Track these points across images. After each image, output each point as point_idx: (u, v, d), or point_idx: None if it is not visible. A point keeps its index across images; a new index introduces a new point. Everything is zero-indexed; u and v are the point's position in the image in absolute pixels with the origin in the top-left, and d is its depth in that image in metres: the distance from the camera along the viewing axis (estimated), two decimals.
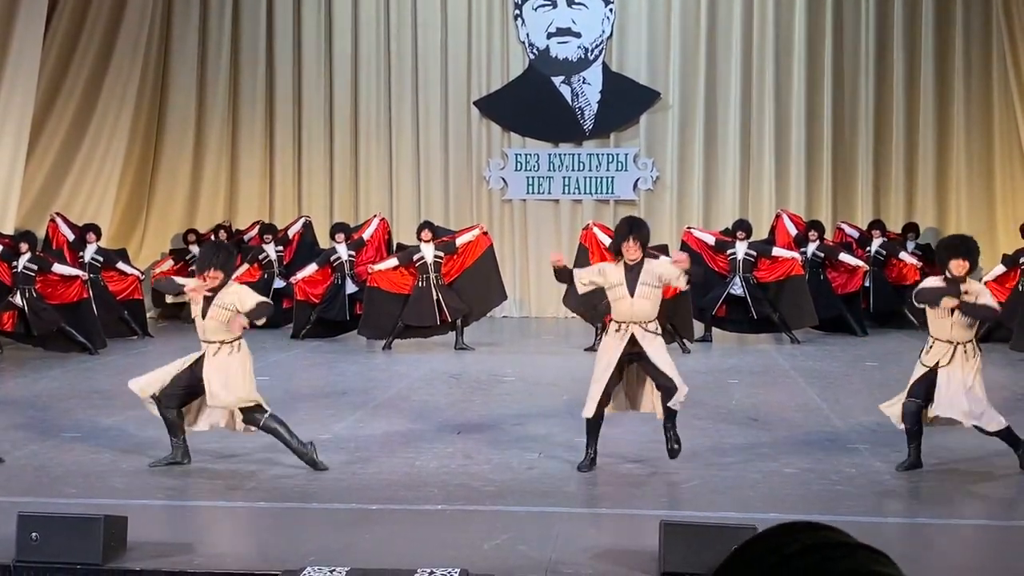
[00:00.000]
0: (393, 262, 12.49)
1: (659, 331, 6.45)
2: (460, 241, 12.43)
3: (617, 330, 6.39)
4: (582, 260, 12.38)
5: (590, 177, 15.88)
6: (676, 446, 6.41)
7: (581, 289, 6.62)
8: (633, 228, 6.39)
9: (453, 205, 16.24)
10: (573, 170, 15.92)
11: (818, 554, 1.09)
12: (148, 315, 14.06)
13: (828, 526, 1.13)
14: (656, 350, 6.36)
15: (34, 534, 4.62)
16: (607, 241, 12.24)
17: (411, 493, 5.98)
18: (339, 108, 16.47)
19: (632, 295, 6.32)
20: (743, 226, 12.92)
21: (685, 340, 11.63)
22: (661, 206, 15.80)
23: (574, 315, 13.72)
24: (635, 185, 15.89)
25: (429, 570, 4.50)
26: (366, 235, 13.86)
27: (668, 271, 6.46)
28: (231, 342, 6.45)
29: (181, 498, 5.88)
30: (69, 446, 7.16)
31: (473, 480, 6.27)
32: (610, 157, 15.90)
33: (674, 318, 11.45)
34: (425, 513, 5.61)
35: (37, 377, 10.31)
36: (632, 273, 6.34)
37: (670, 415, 6.41)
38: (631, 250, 6.32)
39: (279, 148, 16.63)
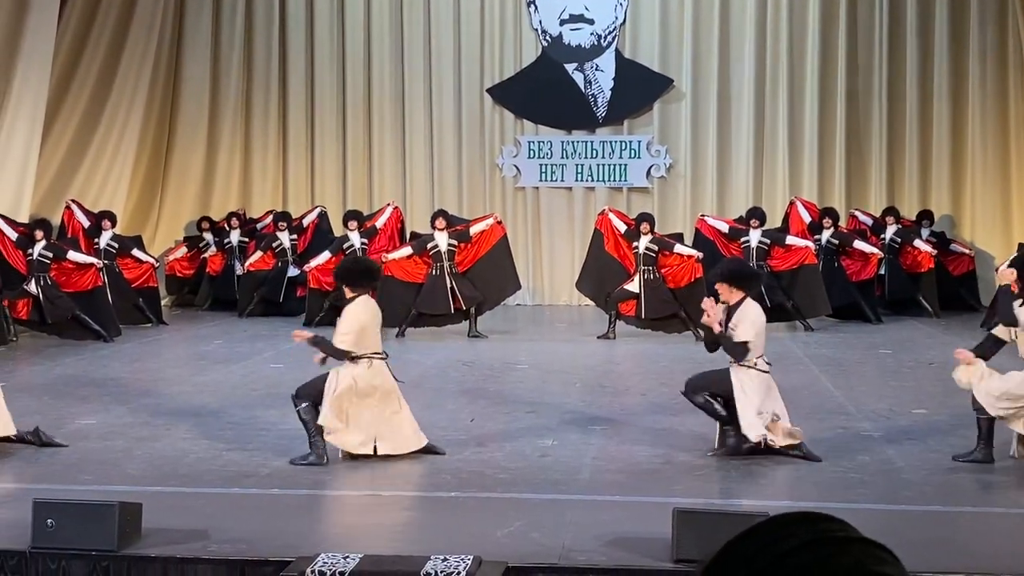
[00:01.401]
0: (407, 251, 12.49)
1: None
2: (474, 230, 12.42)
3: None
4: (597, 245, 12.43)
5: (603, 164, 15.84)
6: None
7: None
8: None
9: (466, 193, 16.23)
10: (586, 157, 15.88)
11: (813, 552, 1.05)
12: (162, 303, 14.10)
13: (826, 517, 1.09)
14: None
15: (49, 521, 4.64)
16: (622, 227, 12.29)
17: (424, 480, 5.99)
18: (352, 96, 16.46)
19: None
20: (756, 214, 12.87)
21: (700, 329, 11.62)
22: (674, 194, 15.76)
23: (587, 302, 13.72)
24: (648, 172, 15.84)
25: (442, 557, 4.51)
26: (379, 223, 13.86)
27: None
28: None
29: (195, 485, 5.90)
30: (84, 433, 7.19)
31: (486, 467, 6.27)
32: (623, 144, 15.85)
33: (688, 306, 11.44)
34: (438, 500, 5.61)
35: (52, 364, 10.35)
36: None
37: None
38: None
39: (292, 136, 16.63)
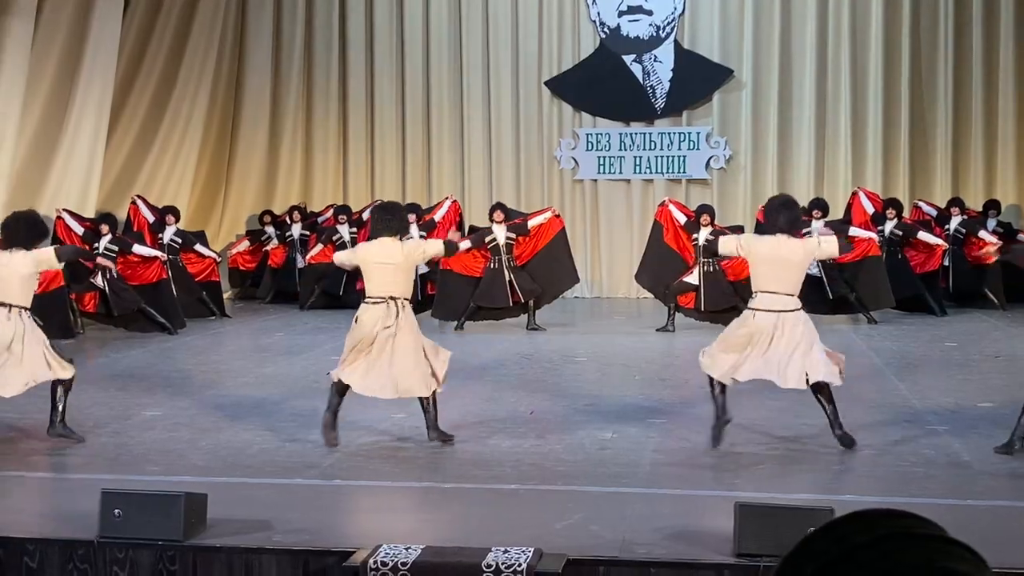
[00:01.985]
0: (466, 244, 12.52)
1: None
2: (532, 223, 12.42)
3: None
4: (656, 237, 12.36)
5: (662, 156, 15.75)
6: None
7: None
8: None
9: (524, 186, 16.24)
10: (645, 149, 15.80)
11: (884, 546, 1.03)
12: (225, 296, 14.30)
13: (910, 515, 1.07)
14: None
15: (117, 511, 4.71)
16: (682, 219, 12.20)
17: (484, 472, 6.00)
18: (411, 90, 16.54)
19: None
20: (819, 205, 12.69)
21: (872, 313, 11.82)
22: (734, 185, 15.62)
23: (646, 295, 13.65)
24: (708, 164, 15.72)
25: (503, 549, 4.51)
26: (437, 217, 13.91)
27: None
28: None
29: (259, 475, 5.97)
30: (150, 424, 7.31)
31: (546, 460, 6.27)
32: (682, 136, 15.75)
33: (857, 283, 11.43)
34: (498, 492, 5.62)
35: (118, 357, 10.55)
36: None
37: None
38: None
39: (352, 131, 16.77)
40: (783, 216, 6.42)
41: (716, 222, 12.09)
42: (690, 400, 8.04)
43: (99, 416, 7.55)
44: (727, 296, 11.71)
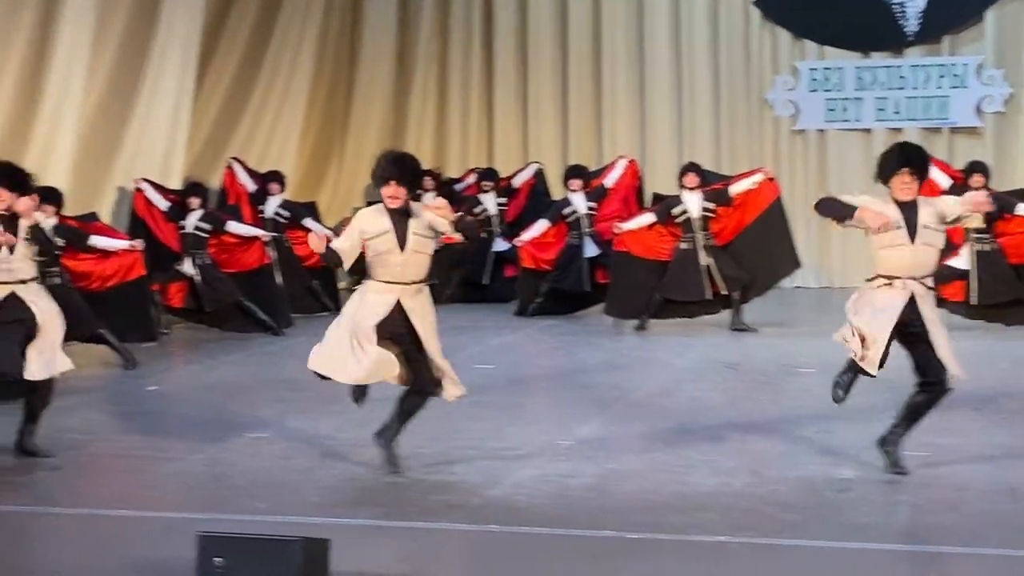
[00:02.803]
0: (648, 218, 12.47)
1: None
2: (736, 189, 12.28)
3: (891, 286, 6.53)
4: None
5: (914, 98, 15.43)
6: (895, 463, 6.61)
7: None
8: (911, 158, 6.65)
9: (725, 141, 16.11)
10: (890, 88, 15.51)
11: None
12: (340, 285, 14.60)
13: None
14: (936, 324, 6.51)
15: (217, 559, 4.82)
16: (945, 182, 11.82)
17: (682, 519, 5.95)
18: (575, 21, 16.58)
19: (913, 241, 6.49)
20: (979, 168, 12.03)
21: None
22: (1015, 135, 15.14)
23: None
24: (978, 107, 15.29)
25: None
26: (609, 182, 13.91)
27: (951, 209, 6.62)
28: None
29: (393, 517, 6.04)
30: (254, 449, 7.50)
31: (764, 504, 6.18)
32: (943, 69, 15.35)
33: None
34: (701, 546, 5.57)
35: (212, 364, 10.88)
36: (909, 213, 6.51)
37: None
38: (905, 187, 6.57)
39: (499, 77, 16.92)
40: None
41: (991, 185, 11.68)
42: (961, 426, 7.79)
43: (190, 439, 7.79)
44: (1008, 285, 11.32)
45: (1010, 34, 15.24)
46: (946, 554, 5.44)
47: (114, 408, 9.00)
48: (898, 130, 15.49)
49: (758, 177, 12.42)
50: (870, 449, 7.18)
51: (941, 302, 11.49)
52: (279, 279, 12.88)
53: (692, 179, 12.22)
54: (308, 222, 13.97)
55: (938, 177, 11.97)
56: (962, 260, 11.46)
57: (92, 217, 11.39)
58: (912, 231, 6.52)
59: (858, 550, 5.49)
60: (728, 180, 12.59)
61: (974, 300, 11.45)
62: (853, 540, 5.61)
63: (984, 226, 11.24)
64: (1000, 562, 5.13)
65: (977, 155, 13.58)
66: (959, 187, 11.60)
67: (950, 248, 11.49)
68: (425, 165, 16.20)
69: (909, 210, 6.56)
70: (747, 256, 12.21)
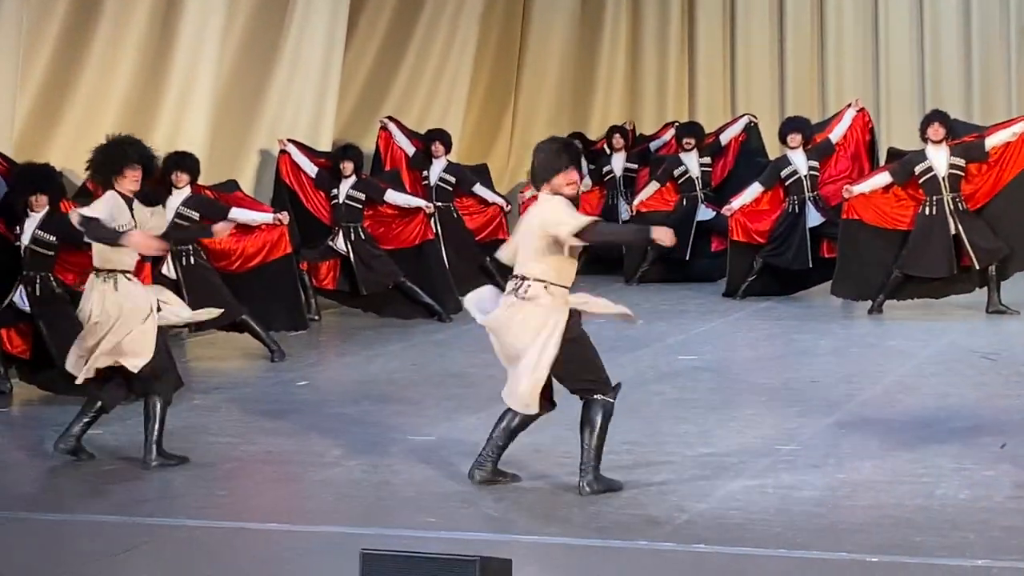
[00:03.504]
0: (884, 178, 12.30)
1: None
2: (992, 142, 12.05)
3: None
4: None
5: None
6: None
7: None
8: None
9: (978, 81, 15.81)
10: None
11: None
12: None
13: None
14: None
15: None
16: None
17: (931, 539, 5.87)
18: None
19: None
20: None
21: None
22: None
23: None
24: None
25: None
26: (835, 136, 13.76)
27: None
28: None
29: (584, 535, 6.06)
30: (421, 454, 7.60)
31: None
32: None
33: None
34: (956, 571, 5.48)
35: (370, 355, 11.07)
36: None
37: None
38: None
39: (702, 21, 16.84)
40: None
41: None
42: None
43: (346, 442, 7.95)
44: None
45: None
46: None
47: (259, 407, 9.20)
48: None
49: (1019, 126, 12.14)
50: None
51: None
52: (446, 256, 13.01)
53: (937, 131, 12.02)
54: (479, 189, 14.09)
55: None
56: None
57: (232, 186, 11.65)
58: None
59: None
60: (982, 131, 12.34)
61: None
62: None
63: None
64: None
65: None
66: None
67: None
68: (614, 121, 16.38)
69: None
70: (1006, 223, 12.01)
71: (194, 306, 8.52)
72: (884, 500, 6.51)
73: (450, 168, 14.05)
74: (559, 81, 16.97)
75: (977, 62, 15.81)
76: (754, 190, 13.49)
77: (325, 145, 13.62)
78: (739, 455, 7.36)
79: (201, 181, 11.07)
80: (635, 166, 15.32)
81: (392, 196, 12.71)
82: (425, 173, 13.99)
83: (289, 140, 13.08)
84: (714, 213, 14.31)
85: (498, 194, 14.49)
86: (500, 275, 13.74)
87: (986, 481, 6.73)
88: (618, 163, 15.48)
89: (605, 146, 15.83)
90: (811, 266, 13.21)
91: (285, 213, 11.48)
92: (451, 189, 13.88)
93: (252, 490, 7.20)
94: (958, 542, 5.82)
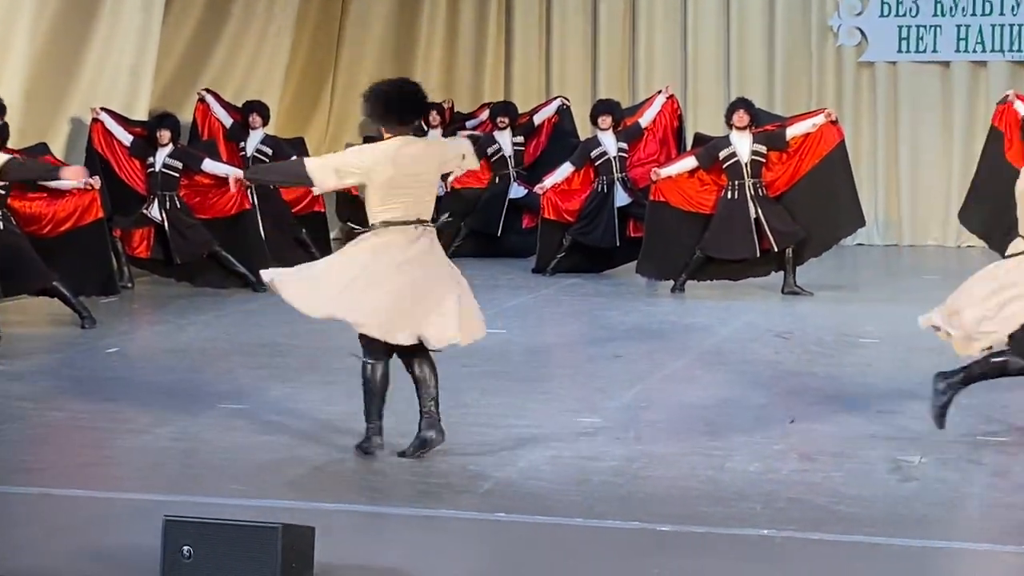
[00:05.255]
0: (689, 163, 12.47)
1: None
2: (793, 132, 12.29)
3: None
4: (994, 152, 12.01)
5: (1003, 25, 15.35)
6: None
7: None
8: None
9: (781, 74, 16.10)
10: (973, 15, 15.42)
11: None
12: (332, 235, 14.64)
13: None
14: None
15: (186, 547, 4.86)
16: None
17: (721, 509, 5.99)
18: None
19: None
20: None
21: None
22: None
23: (975, 242, 13.33)
24: None
25: None
26: (645, 120, 13.91)
27: None
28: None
29: (386, 502, 6.10)
30: (229, 423, 7.55)
31: (815, 494, 6.22)
32: None
33: None
34: (742, 540, 5.60)
35: (182, 324, 10.95)
36: None
37: None
38: None
39: (519, 4, 16.88)
40: None
41: None
42: None
43: (157, 410, 7.85)
44: None
45: None
46: (1021, 555, 5.47)
47: (69, 373, 9.05)
48: (982, 64, 15.43)
49: (819, 119, 12.42)
50: (940, 433, 7.21)
51: None
52: (262, 228, 12.90)
53: (742, 118, 12.21)
54: None
55: None
56: None
57: (42, 150, 11.35)
58: None
59: (922, 548, 5.52)
60: (784, 121, 12.59)
61: None
62: (916, 536, 5.65)
63: None
64: None
65: None
66: None
67: None
68: (434, 98, 16.34)
69: None
70: (803, 209, 12.23)
71: (1, 273, 8.32)
72: (678, 472, 6.63)
73: (267, 140, 13.95)
74: (378, 58, 16.88)
75: (780, 54, 16.12)
76: (565, 169, 13.61)
77: (141, 114, 13.37)
78: (542, 427, 7.44)
79: (12, 144, 10.78)
80: (521, 140, 15.15)
81: (209, 165, 12.55)
82: (242, 145, 13.86)
83: (102, 108, 12.82)
84: (526, 191, 14.42)
85: None
86: (316, 247, 13.71)
87: (774, 454, 6.90)
88: (505, 141, 15.26)
89: (424, 123, 15.79)
90: (618, 245, 13.38)
91: (97, 178, 11.21)
92: (268, 160, 13.75)
93: (59, 456, 7.07)
94: (745, 512, 5.95)
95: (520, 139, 14.96)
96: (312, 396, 8.15)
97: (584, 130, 14.67)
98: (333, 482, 6.46)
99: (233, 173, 12.48)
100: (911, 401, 7.96)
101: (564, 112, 15.33)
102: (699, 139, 13.05)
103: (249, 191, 12.64)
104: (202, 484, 6.38)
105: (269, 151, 13.81)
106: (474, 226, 14.71)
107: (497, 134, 14.83)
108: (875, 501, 6.15)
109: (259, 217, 12.91)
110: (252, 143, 13.83)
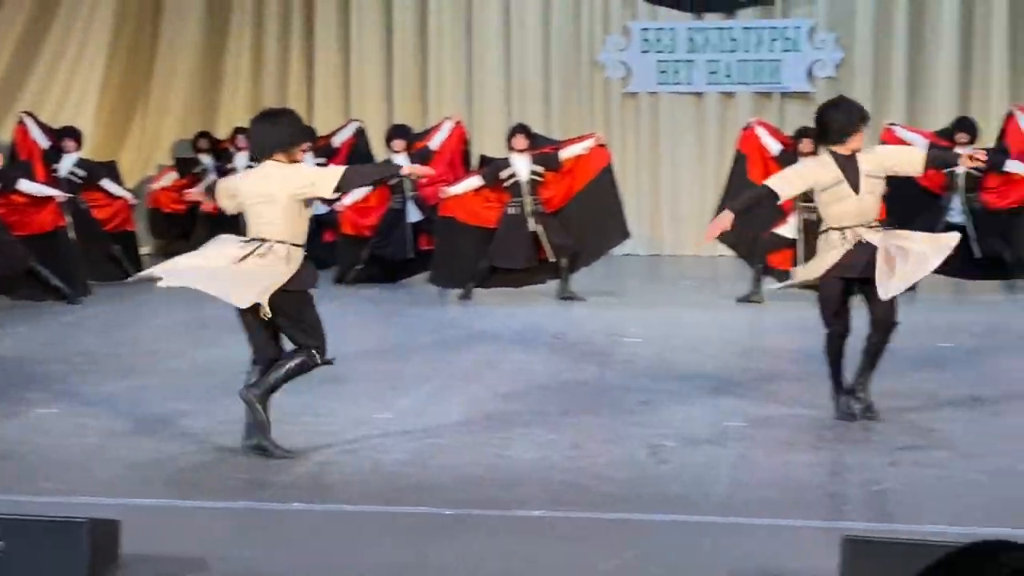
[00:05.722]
0: (475, 181, 12.52)
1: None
2: (566, 154, 12.42)
3: (842, 236, 7.09)
4: (739, 172, 12.32)
5: (747, 61, 15.74)
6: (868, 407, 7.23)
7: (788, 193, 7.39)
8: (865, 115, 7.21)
9: (556, 102, 16.24)
10: (722, 51, 15.78)
11: None
12: (143, 251, 14.36)
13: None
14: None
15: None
16: (775, 148, 12.16)
17: (502, 494, 6.02)
18: None
19: (858, 191, 7.05)
20: (966, 126, 12.56)
21: None
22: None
23: (725, 252, 13.62)
24: (810, 72, 15.66)
25: None
26: (434, 144, 13.91)
27: (898, 157, 7.45)
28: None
29: (192, 496, 6.00)
30: (42, 426, 7.34)
31: (585, 478, 6.30)
32: (774, 32, 15.68)
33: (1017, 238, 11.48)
34: (521, 521, 5.64)
35: (0, 334, 10.60)
36: (850, 165, 7.08)
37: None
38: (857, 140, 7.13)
39: (320, 31, 16.77)
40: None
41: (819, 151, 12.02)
42: (783, 398, 8.04)
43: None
44: None
45: None
46: (762, 526, 5.61)
47: None
48: (731, 95, 15.79)
49: (589, 142, 12.59)
50: (692, 421, 7.39)
51: (768, 270, 11.88)
52: (76, 243, 12.57)
53: (521, 141, 12.31)
54: (106, 183, 13.73)
55: (768, 143, 12.32)
56: (790, 229, 11.78)
57: None
58: (855, 182, 7.08)
59: (677, 522, 5.63)
60: (558, 144, 12.73)
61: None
62: (673, 512, 5.76)
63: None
64: (818, 534, 5.31)
65: (808, 121, 13.88)
66: (790, 153, 11.94)
67: (779, 215, 11.87)
68: (240, 123, 16.13)
69: (850, 162, 7.13)
70: (576, 223, 12.38)
71: None
72: (462, 461, 6.66)
73: (80, 163, 13.61)
74: (188, 84, 16.61)
75: (555, 83, 16.28)
76: (362, 189, 13.49)
77: None
78: (339, 423, 7.38)
79: None
80: (323, 161, 14.98)
81: (25, 185, 12.18)
82: (56, 167, 13.49)
83: None
84: (327, 208, 14.28)
85: (126, 188, 14.12)
86: (128, 262, 13.41)
87: (548, 443, 6.96)
88: (242, 161, 15.00)
89: (230, 146, 15.59)
90: (411, 257, 13.37)
91: None
92: (81, 182, 13.45)
93: None
94: (523, 496, 6.00)
95: (321, 160, 14.68)
96: (123, 400, 7.96)
97: (380, 152, 14.63)
98: (140, 479, 6.31)
99: (50, 193, 12.26)
100: (668, 394, 8.12)
101: (361, 135, 15.25)
102: (483, 160, 13.14)
103: (63, 209, 12.31)
104: (14, 484, 6.17)
105: (83, 173, 13.49)
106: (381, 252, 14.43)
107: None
108: (637, 482, 6.26)
109: (73, 234, 12.57)
110: (66, 165, 13.47)
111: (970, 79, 15.39)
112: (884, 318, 7.12)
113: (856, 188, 7.05)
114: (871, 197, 7.11)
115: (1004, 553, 1.18)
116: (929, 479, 6.30)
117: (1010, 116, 13.63)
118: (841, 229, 7.08)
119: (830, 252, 7.14)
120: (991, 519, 5.66)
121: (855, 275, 7.06)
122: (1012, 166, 12.53)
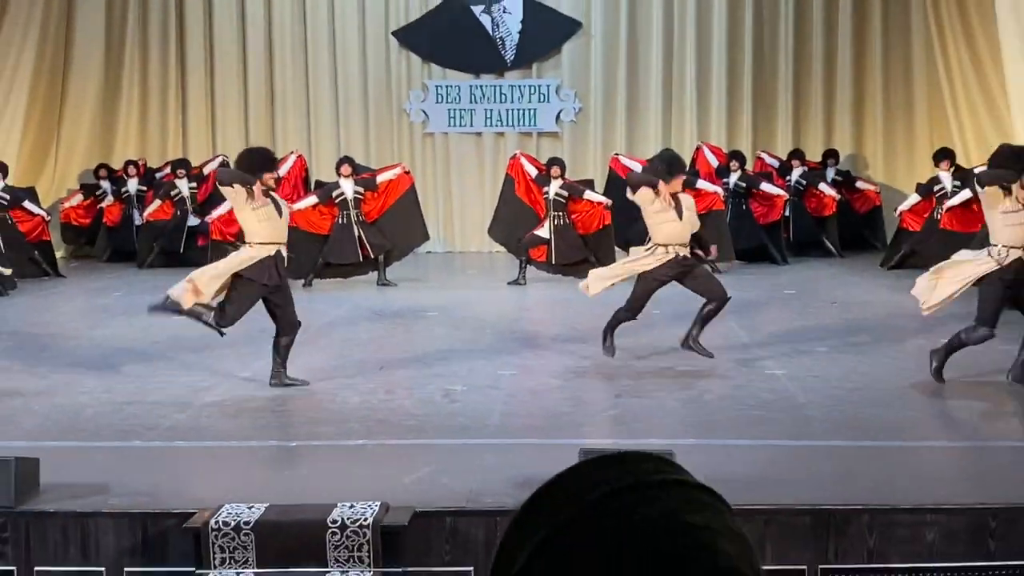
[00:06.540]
0: (312, 200, 12.37)
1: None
2: (381, 179, 12.35)
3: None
4: (508, 190, 12.49)
5: (512, 109, 15.83)
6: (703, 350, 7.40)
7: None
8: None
9: (374, 139, 16.10)
10: (495, 102, 15.85)
11: (621, 499, 0.91)
12: (58, 255, 13.77)
13: (645, 456, 0.96)
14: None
15: None
16: (533, 172, 12.35)
17: (332, 429, 6.00)
18: (253, 42, 16.12)
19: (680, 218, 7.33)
20: (666, 157, 12.92)
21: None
22: (584, 138, 15.84)
23: (499, 249, 13.78)
24: (558, 117, 15.88)
25: (349, 504, 4.53)
26: (282, 172, 13.61)
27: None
28: None
29: (94, 439, 5.83)
30: None
31: (394, 415, 6.31)
32: (532, 88, 15.84)
33: (598, 251, 11.62)
34: (346, 449, 5.63)
35: None
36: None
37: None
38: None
39: (191, 82, 16.26)
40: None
41: (566, 175, 12.26)
42: (540, 352, 8.20)
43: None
44: (577, 249, 11.92)
45: (580, 63, 15.91)
46: (527, 445, 5.73)
47: None
48: (501, 134, 15.93)
49: (397, 170, 12.56)
50: (475, 372, 7.46)
51: (530, 261, 12.06)
52: (4, 249, 12.01)
53: (347, 169, 12.22)
54: (27, 204, 13.17)
55: (528, 168, 12.48)
56: (544, 231, 11.97)
57: None
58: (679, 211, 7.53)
59: (463, 444, 5.71)
60: (375, 171, 12.66)
61: (553, 260, 12.01)
62: (459, 438, 5.84)
63: (563, 203, 11.91)
64: (567, 449, 5.43)
65: (556, 153, 14.22)
66: (543, 176, 12.14)
67: (537, 221, 12.06)
68: (131, 156, 15.58)
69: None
70: (389, 229, 12.31)
71: None
72: (308, 404, 6.61)
73: (6, 189, 12.95)
74: (90, 127, 15.91)
75: (373, 126, 16.11)
76: (226, 206, 12.80)
77: None
78: (211, 381, 7.25)
79: None
80: (145, 188, 14.56)
81: None
82: None
83: None
84: (199, 221, 13.94)
85: (41, 209, 13.51)
86: (47, 264, 12.83)
87: (368, 391, 6.92)
88: (133, 186, 14.62)
89: (123, 174, 15.07)
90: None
91: None
92: (7, 203, 12.82)
93: None
94: (349, 430, 5.98)
95: (194, 185, 14.36)
96: (41, 367, 7.65)
97: None
98: (56, 427, 6.10)
99: None
100: (458, 351, 8.19)
101: (225, 165, 14.86)
102: (319, 184, 12.96)
103: None
104: None
105: (7, 196, 12.88)
106: (164, 246, 14.07)
107: (178, 182, 14.24)
108: (433, 416, 6.31)
109: (1, 242, 12.01)
110: None
111: (670, 121, 15.83)
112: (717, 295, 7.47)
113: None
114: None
115: (618, 465, 0.94)
116: (644, 407, 6.50)
117: (698, 150, 14.14)
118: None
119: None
120: (687, 432, 5.90)
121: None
122: (701, 184, 12.96)
